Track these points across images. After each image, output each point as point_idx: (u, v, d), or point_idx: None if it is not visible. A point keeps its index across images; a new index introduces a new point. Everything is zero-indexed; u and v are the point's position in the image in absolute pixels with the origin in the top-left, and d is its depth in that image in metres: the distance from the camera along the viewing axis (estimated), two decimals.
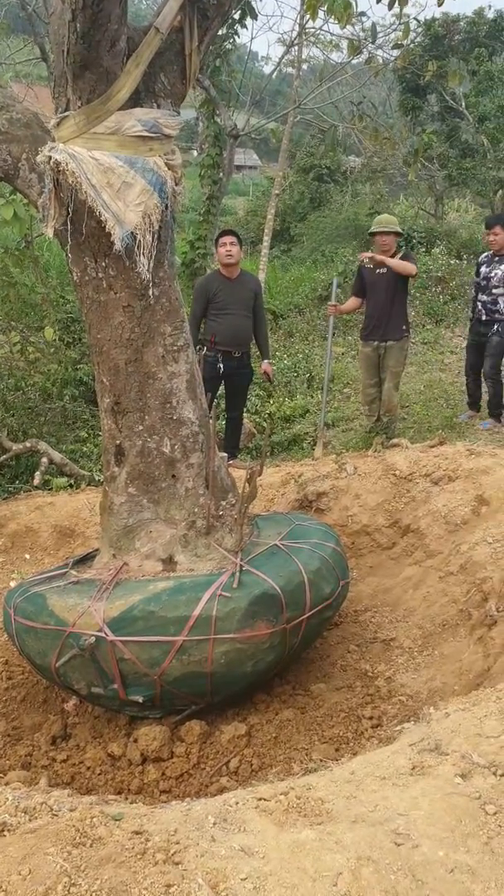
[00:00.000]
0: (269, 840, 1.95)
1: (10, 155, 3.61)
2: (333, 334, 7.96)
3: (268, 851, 1.90)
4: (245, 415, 8.40)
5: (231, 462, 5.92)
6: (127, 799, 3.13)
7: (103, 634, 3.51)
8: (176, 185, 3.54)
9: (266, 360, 7.19)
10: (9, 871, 1.74)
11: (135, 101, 3.31)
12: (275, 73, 17.46)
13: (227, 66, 11.39)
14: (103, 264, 3.55)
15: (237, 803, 2.18)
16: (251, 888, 1.77)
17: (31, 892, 1.69)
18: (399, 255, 6.99)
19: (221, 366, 6.64)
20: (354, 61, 13.82)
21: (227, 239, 6.58)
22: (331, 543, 4.18)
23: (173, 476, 3.89)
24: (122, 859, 1.83)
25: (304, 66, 15.78)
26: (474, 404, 8.22)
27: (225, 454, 4.99)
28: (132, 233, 3.37)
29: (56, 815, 2.05)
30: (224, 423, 7.42)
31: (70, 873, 1.75)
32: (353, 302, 7.42)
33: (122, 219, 3.35)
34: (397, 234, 7.08)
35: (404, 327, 7.08)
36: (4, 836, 1.92)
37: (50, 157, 3.27)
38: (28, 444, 7.21)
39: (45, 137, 3.54)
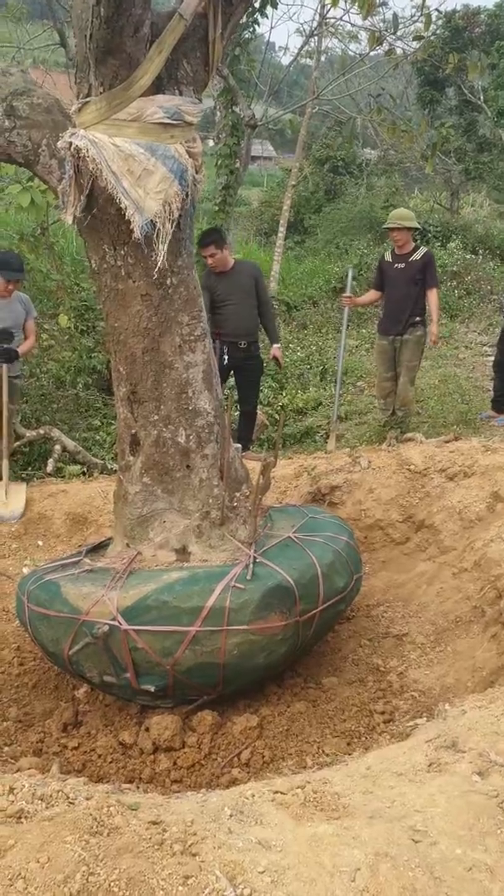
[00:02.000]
0: (286, 834, 1.94)
1: (31, 140, 3.58)
2: (347, 326, 7.90)
3: (285, 845, 1.89)
4: (258, 407, 8.39)
5: (243, 454, 5.89)
6: (139, 788, 3.14)
7: (117, 623, 3.51)
8: (197, 172, 3.50)
9: (275, 345, 7.11)
10: (27, 858, 1.74)
11: (157, 87, 3.28)
12: (293, 65, 17.37)
13: (247, 56, 11.32)
14: (122, 252, 3.53)
15: (253, 796, 2.17)
16: (269, 881, 1.76)
17: (50, 879, 1.68)
18: (418, 252, 6.91)
19: (227, 357, 6.56)
20: (373, 53, 13.73)
21: (206, 251, 6.43)
22: (344, 537, 4.16)
23: (188, 466, 3.88)
24: (140, 849, 1.82)
25: (322, 58, 15.67)
26: (501, 404, 8.09)
27: (238, 445, 4.98)
28: (152, 221, 3.34)
29: (72, 804, 2.04)
30: (237, 414, 7.39)
31: (88, 862, 1.74)
32: (370, 295, 7.40)
33: (142, 206, 3.32)
34: (413, 228, 7.02)
35: (419, 320, 7.02)
36: (22, 822, 1.91)
37: (70, 143, 3.25)
38: (42, 431, 7.22)
39: (66, 123, 3.52)
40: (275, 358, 7.17)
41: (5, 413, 5.82)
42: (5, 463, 5.81)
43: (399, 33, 12.00)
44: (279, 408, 9.24)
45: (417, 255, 6.89)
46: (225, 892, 1.73)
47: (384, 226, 7.28)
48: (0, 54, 13.25)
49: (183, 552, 3.90)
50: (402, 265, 6.90)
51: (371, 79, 16.77)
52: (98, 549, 4.27)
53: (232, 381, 6.98)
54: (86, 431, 8.17)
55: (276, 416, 8.78)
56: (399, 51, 12.31)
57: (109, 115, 3.24)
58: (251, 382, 6.99)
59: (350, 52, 15.59)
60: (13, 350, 6.00)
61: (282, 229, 14.48)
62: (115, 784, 2.72)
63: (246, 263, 7.07)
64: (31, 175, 7.26)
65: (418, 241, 7.31)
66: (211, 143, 13.40)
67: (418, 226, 7.32)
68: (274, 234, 17.41)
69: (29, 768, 3.03)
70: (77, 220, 3.43)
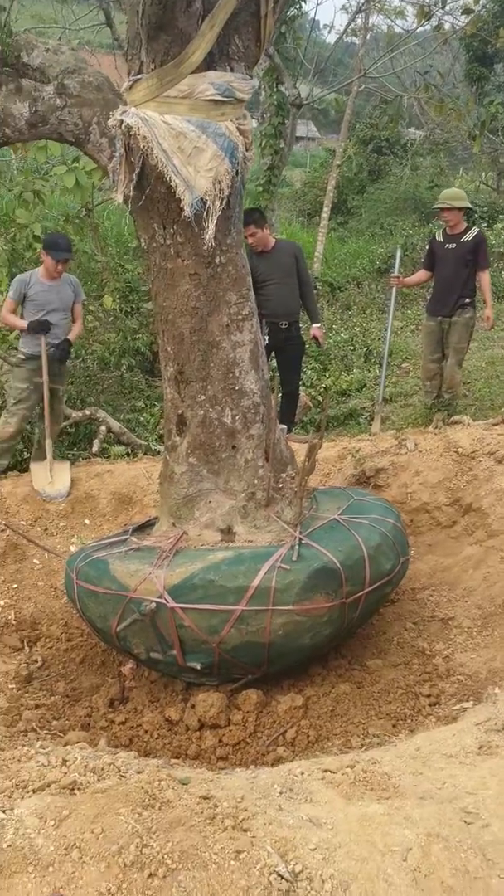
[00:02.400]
0: (336, 812, 1.94)
1: (81, 119, 3.58)
2: (393, 308, 7.79)
3: (336, 823, 1.89)
4: (300, 388, 8.33)
5: (286, 436, 5.86)
6: (185, 764, 3.17)
7: (164, 601, 3.54)
8: (247, 150, 3.48)
9: (315, 325, 6.95)
10: (82, 828, 1.77)
11: (208, 63, 3.25)
12: (338, 42, 17.12)
13: (293, 33, 11.18)
14: (171, 231, 3.52)
15: (302, 774, 2.17)
16: (320, 859, 1.77)
17: (105, 850, 1.71)
18: (470, 232, 6.74)
19: (267, 338, 6.48)
20: (420, 29, 13.47)
21: (246, 231, 6.18)
22: (391, 519, 4.13)
23: (234, 447, 3.88)
24: (192, 823, 1.84)
25: (368, 35, 15.41)
26: None
27: (284, 426, 4.96)
28: (202, 199, 3.33)
29: (124, 777, 2.07)
30: (279, 396, 7.33)
31: (141, 834, 1.76)
32: (421, 275, 7.24)
33: (192, 184, 3.31)
34: (464, 209, 6.82)
35: (469, 301, 6.85)
36: (75, 794, 1.94)
37: (122, 121, 3.25)
38: (88, 412, 7.27)
39: (117, 101, 3.52)
40: (315, 338, 7.03)
41: (46, 394, 5.84)
42: (49, 443, 5.86)
43: (447, 8, 11.75)
44: (322, 390, 9.18)
45: (469, 236, 6.70)
46: (277, 868, 1.74)
47: (434, 205, 7.11)
48: (46, 35, 13.28)
49: (228, 532, 3.90)
50: (452, 245, 6.73)
51: (418, 56, 16.45)
52: (144, 528, 4.30)
53: (273, 362, 6.93)
54: (129, 413, 8.21)
55: (320, 398, 8.73)
56: (447, 26, 12.08)
57: (160, 92, 3.23)
58: (292, 363, 6.90)
59: (397, 29, 15.30)
60: (67, 345, 6.02)
61: (326, 210, 14.34)
62: (163, 759, 2.75)
63: (287, 243, 6.95)
64: (76, 156, 7.31)
65: (475, 228, 7.02)
66: (255, 122, 13.29)
67: (470, 205, 7.03)
68: (317, 215, 17.26)
69: (77, 742, 3.08)
70: (127, 198, 3.43)
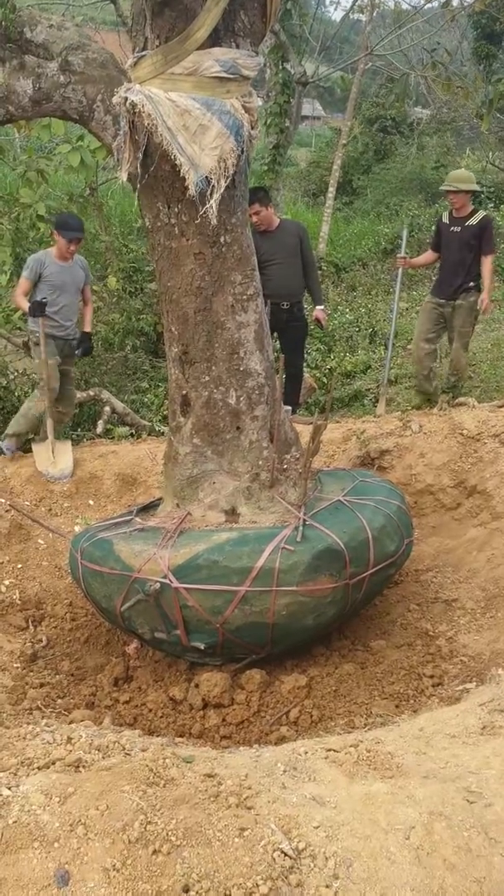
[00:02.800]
0: (340, 790, 1.96)
1: (85, 96, 3.55)
2: (400, 288, 7.72)
3: (339, 802, 1.91)
4: (305, 370, 8.29)
5: (291, 417, 5.83)
6: (189, 743, 3.19)
7: (168, 581, 3.55)
8: (252, 128, 3.44)
9: (318, 306, 6.90)
10: (87, 805, 1.78)
11: (213, 39, 3.20)
12: (344, 19, 16.93)
13: (298, 10, 11.04)
14: (176, 210, 3.50)
15: (306, 753, 2.19)
16: (324, 836, 1.78)
17: (110, 827, 1.72)
18: (476, 216, 6.60)
19: (269, 319, 6.40)
20: (428, 6, 13.31)
21: (251, 209, 6.03)
22: (395, 501, 4.13)
23: (238, 428, 3.87)
24: (196, 801, 1.85)
25: (375, 12, 15.18)
26: None
27: (289, 408, 4.94)
28: (207, 177, 3.30)
29: (129, 755, 2.08)
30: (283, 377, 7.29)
31: (146, 811, 1.78)
32: (428, 256, 7.16)
33: (196, 163, 3.27)
34: (470, 191, 6.69)
35: (473, 285, 6.74)
36: (80, 771, 1.96)
37: (126, 99, 3.21)
38: (92, 393, 7.27)
39: (121, 78, 3.47)
40: (317, 320, 6.96)
41: (45, 374, 5.79)
42: (50, 423, 5.84)
43: None
44: (327, 371, 9.16)
45: (474, 220, 6.57)
46: (280, 846, 1.75)
47: (441, 187, 6.99)
48: (50, 11, 13.13)
49: (232, 513, 3.91)
50: (457, 228, 6.63)
51: (425, 33, 16.24)
52: (148, 508, 4.30)
53: (277, 343, 6.89)
54: (134, 394, 8.21)
55: (325, 380, 8.71)
56: (455, 2, 11.90)
57: (165, 69, 3.19)
58: (295, 345, 6.83)
59: (404, 5, 15.08)
60: (88, 339, 6.00)
61: (331, 190, 14.23)
62: (168, 738, 2.76)
63: (291, 223, 6.87)
64: (81, 134, 7.26)
65: (482, 211, 6.73)
66: (260, 101, 13.16)
67: (477, 188, 6.87)
68: (322, 195, 17.14)
69: (82, 720, 3.10)
70: (131, 177, 3.40)
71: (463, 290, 6.68)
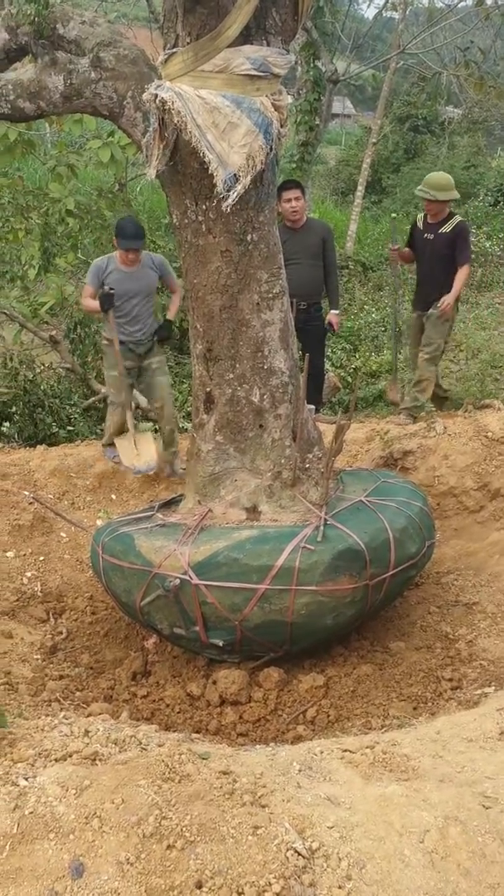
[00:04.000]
0: (355, 791, 1.95)
1: (116, 92, 3.56)
2: (401, 284, 7.17)
3: (354, 802, 1.90)
4: (330, 369, 8.27)
5: (314, 416, 5.79)
6: (205, 739, 3.20)
7: (188, 577, 3.56)
8: (281, 126, 3.44)
9: (333, 311, 6.77)
10: (102, 799, 1.79)
11: (244, 37, 3.20)
12: (376, 17, 16.84)
13: (331, 7, 11.00)
14: (203, 207, 3.50)
15: (322, 753, 2.19)
16: (337, 837, 1.78)
17: (125, 820, 1.73)
18: (450, 223, 6.07)
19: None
20: (462, 4, 13.20)
21: (291, 194, 6.10)
22: (418, 502, 4.11)
23: (261, 426, 3.87)
24: (211, 797, 1.85)
25: (408, 10, 15.09)
26: None
27: (312, 407, 4.93)
28: (235, 175, 3.30)
29: (145, 749, 2.09)
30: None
31: (161, 806, 1.79)
32: (409, 253, 6.55)
33: (225, 160, 3.27)
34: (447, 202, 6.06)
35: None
36: (97, 765, 1.97)
37: (156, 95, 3.22)
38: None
39: (152, 75, 3.49)
40: (330, 324, 6.79)
41: (120, 368, 5.53)
42: (130, 415, 5.68)
43: None
44: (352, 370, 9.14)
45: (448, 227, 6.03)
46: (294, 845, 1.75)
47: (416, 191, 6.33)
48: (83, 7, 13.20)
49: (253, 511, 3.91)
50: (430, 236, 6.11)
51: (459, 31, 16.12)
52: (170, 504, 4.32)
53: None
54: None
55: (349, 379, 8.68)
56: (490, 1, 11.81)
57: (196, 66, 3.19)
58: (314, 344, 6.67)
59: (438, 3, 14.97)
60: (168, 327, 5.75)
61: (360, 188, 14.19)
62: (184, 733, 2.77)
63: (317, 223, 6.77)
64: (111, 130, 7.29)
65: (457, 219, 6.14)
66: (290, 98, 13.12)
67: (455, 196, 6.10)
68: (351, 194, 17.10)
69: (100, 713, 3.12)
70: (160, 174, 3.41)
71: (437, 300, 6.18)
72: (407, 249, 6.51)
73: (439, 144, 23.16)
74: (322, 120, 11.94)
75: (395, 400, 6.85)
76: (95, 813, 1.76)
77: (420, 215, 6.37)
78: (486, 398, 6.77)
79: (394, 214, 8.21)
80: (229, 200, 3.31)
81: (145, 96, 3.28)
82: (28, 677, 3.80)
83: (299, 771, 2.08)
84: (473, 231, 15.96)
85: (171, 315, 5.71)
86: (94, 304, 5.44)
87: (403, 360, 7.80)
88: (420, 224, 6.28)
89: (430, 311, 6.20)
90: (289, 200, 6.13)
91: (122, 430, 5.79)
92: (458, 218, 6.17)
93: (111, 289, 5.33)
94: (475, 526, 4.89)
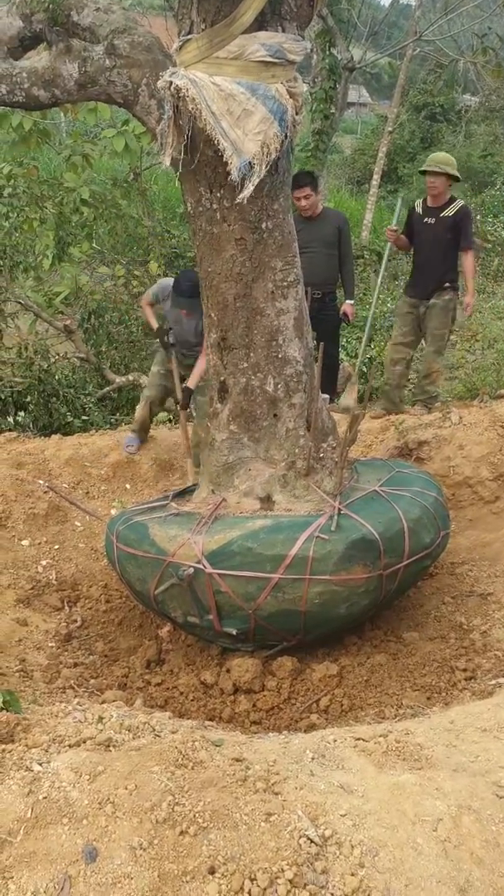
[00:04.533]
0: (368, 780, 1.95)
1: (130, 80, 3.54)
2: (389, 260, 6.94)
3: (367, 791, 1.90)
4: (345, 359, 8.23)
5: (328, 406, 5.75)
6: (218, 727, 3.21)
7: (202, 566, 3.56)
8: (297, 114, 3.41)
9: (348, 301, 6.66)
10: (116, 784, 1.80)
11: (259, 23, 3.18)
12: (393, 4, 16.71)
13: None
14: (218, 195, 3.49)
15: (335, 741, 2.18)
16: (350, 825, 1.78)
17: (138, 806, 1.74)
18: (453, 206, 5.94)
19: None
20: None
21: (300, 192, 5.98)
22: (432, 492, 4.09)
23: (275, 415, 3.87)
24: (224, 784, 1.86)
25: None
26: None
27: (326, 396, 4.91)
28: (249, 162, 3.28)
29: (158, 736, 2.10)
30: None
31: (174, 792, 1.79)
32: (405, 241, 6.37)
33: (240, 148, 3.25)
34: (451, 176, 5.88)
35: (449, 285, 6.04)
36: (110, 751, 1.98)
37: (171, 83, 3.20)
38: (130, 378, 7.31)
39: (166, 62, 3.47)
40: (345, 313, 6.68)
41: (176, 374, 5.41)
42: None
43: None
44: (367, 360, 9.10)
45: (450, 210, 5.89)
46: (307, 832, 1.76)
47: (420, 169, 6.14)
48: None
49: (267, 501, 3.91)
50: (431, 220, 5.94)
51: (476, 18, 15.97)
52: (184, 494, 4.33)
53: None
54: None
55: (364, 369, 8.65)
56: None
57: (210, 53, 3.17)
58: (328, 334, 6.59)
59: None
60: (188, 395, 5.33)
61: (376, 178, 14.09)
62: (198, 721, 2.79)
63: (333, 213, 6.69)
64: (125, 119, 7.27)
65: (459, 202, 5.99)
66: (306, 86, 13.02)
67: (458, 175, 5.97)
68: (366, 183, 16.99)
69: (114, 700, 3.13)
70: (175, 162, 3.39)
71: (438, 288, 6.04)
72: (403, 236, 6.34)
73: (456, 133, 22.98)
74: (337, 108, 11.86)
75: (345, 405, 6.56)
76: (109, 798, 1.77)
77: (419, 201, 6.23)
78: (502, 388, 6.71)
79: (401, 194, 7.98)
80: (245, 191, 3.30)
81: (160, 83, 3.26)
82: (43, 665, 3.82)
83: (312, 759, 2.08)
84: (490, 220, 15.87)
85: (191, 383, 5.35)
86: (151, 314, 5.46)
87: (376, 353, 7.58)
88: (419, 209, 6.11)
89: (434, 300, 6.03)
90: (298, 199, 6.01)
91: (143, 424, 5.83)
92: (460, 201, 6.04)
93: (169, 328, 5.34)
94: (490, 516, 4.86)
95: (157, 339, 5.35)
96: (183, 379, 5.36)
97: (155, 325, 5.40)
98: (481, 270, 13.72)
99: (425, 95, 22.91)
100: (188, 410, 5.50)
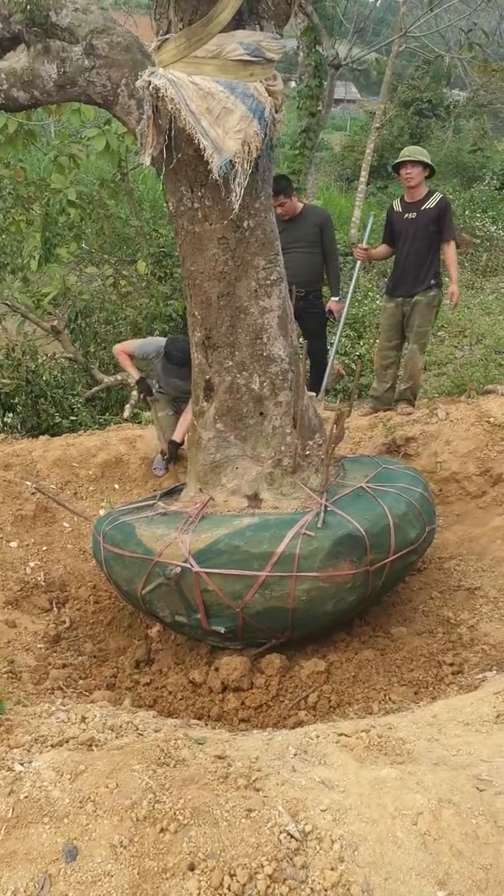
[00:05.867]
0: (349, 775, 1.96)
1: (110, 80, 3.54)
2: (357, 280, 6.98)
3: (348, 786, 1.91)
4: (336, 358, 8.21)
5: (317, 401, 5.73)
6: (207, 725, 3.22)
7: (189, 565, 3.57)
8: (276, 112, 3.42)
9: (334, 298, 6.61)
10: (97, 783, 1.81)
11: (237, 22, 3.18)
12: (379, 0, 16.72)
13: None
14: (199, 194, 3.49)
15: (318, 737, 2.19)
16: (331, 820, 1.79)
17: (118, 805, 1.75)
18: (432, 199, 5.92)
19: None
20: None
21: (275, 201, 5.49)
22: (418, 488, 4.10)
23: (261, 413, 3.87)
24: (205, 782, 1.87)
25: None
26: None
27: (313, 394, 4.91)
28: (230, 161, 3.28)
29: (141, 735, 2.11)
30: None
31: (155, 790, 1.80)
32: (383, 249, 6.41)
33: (220, 146, 3.26)
34: (426, 166, 5.87)
35: (433, 282, 5.99)
36: (93, 750, 1.99)
37: (149, 83, 3.20)
38: (119, 377, 7.31)
39: (145, 62, 3.47)
40: (331, 311, 6.63)
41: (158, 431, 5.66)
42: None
43: None
44: (356, 357, 9.12)
45: (431, 203, 5.87)
46: (287, 828, 1.76)
47: (395, 161, 6.08)
48: None
49: (254, 499, 3.91)
50: (412, 215, 5.89)
51: (462, 13, 15.99)
52: (172, 493, 4.33)
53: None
54: None
55: (353, 366, 8.67)
56: None
57: (189, 52, 3.17)
58: (313, 332, 6.60)
59: None
60: (175, 448, 5.54)
61: (364, 174, 14.09)
62: (183, 719, 2.79)
63: (314, 211, 6.62)
64: (108, 119, 7.25)
65: (437, 193, 5.97)
66: (293, 84, 13.03)
67: (433, 165, 5.99)
68: (356, 180, 17.00)
69: (102, 701, 3.14)
70: (155, 161, 3.40)
71: (423, 284, 5.99)
72: (379, 248, 6.38)
73: (444, 128, 23.02)
74: (324, 105, 11.87)
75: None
76: (89, 797, 1.78)
77: (395, 201, 6.20)
78: (490, 383, 6.73)
79: (373, 212, 7.85)
80: (233, 194, 3.31)
81: (138, 84, 3.26)
82: (31, 666, 3.82)
83: (294, 755, 2.09)
84: (479, 215, 15.90)
85: (177, 437, 5.48)
86: (129, 363, 5.55)
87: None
88: (398, 207, 6.07)
89: (418, 297, 5.97)
90: (274, 206, 5.95)
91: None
92: (438, 193, 6.02)
93: (151, 381, 5.51)
94: (477, 511, 4.88)
95: (138, 390, 5.47)
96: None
97: (136, 375, 5.53)
98: (470, 266, 13.76)
99: (413, 91, 22.92)
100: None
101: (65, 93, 3.58)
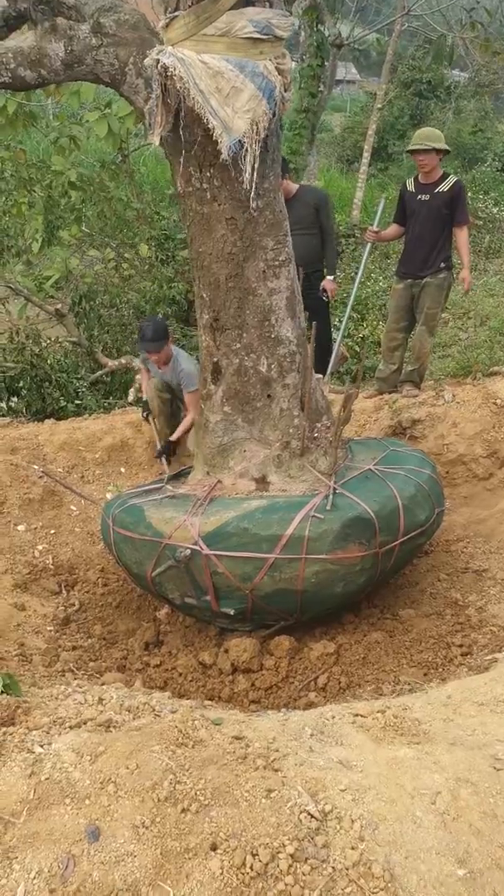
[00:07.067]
0: (366, 755, 1.97)
1: (118, 59, 3.50)
2: (367, 261, 6.94)
3: (366, 766, 1.92)
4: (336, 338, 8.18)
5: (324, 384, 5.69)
6: (217, 706, 3.23)
7: (198, 548, 3.57)
8: (285, 91, 3.38)
9: (329, 276, 6.48)
10: (117, 764, 1.81)
11: None
12: None
13: None
14: (208, 174, 3.46)
15: (334, 717, 2.20)
16: (350, 799, 1.80)
17: (139, 785, 1.76)
18: (446, 182, 5.79)
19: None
20: None
21: None
22: (427, 470, 4.11)
23: (269, 396, 3.86)
24: (224, 762, 1.87)
25: None
26: None
27: (320, 375, 4.89)
28: (239, 141, 3.25)
29: (158, 716, 2.11)
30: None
31: (175, 771, 1.81)
32: (394, 229, 6.32)
33: (229, 126, 3.23)
34: (440, 151, 5.72)
35: (443, 264, 5.89)
36: (111, 731, 1.99)
37: (158, 61, 3.16)
38: (123, 361, 7.28)
39: (153, 41, 3.42)
40: (324, 289, 6.47)
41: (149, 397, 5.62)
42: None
43: None
44: (360, 339, 9.09)
45: (445, 186, 5.75)
46: (307, 808, 1.77)
47: (408, 148, 6.02)
48: None
49: (262, 481, 3.91)
50: (425, 196, 5.79)
51: None
52: (179, 476, 4.33)
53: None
54: None
55: (357, 349, 8.64)
56: None
57: (198, 30, 3.13)
58: (314, 314, 6.54)
59: None
60: (167, 447, 5.44)
61: (366, 156, 13.99)
62: (197, 700, 2.80)
63: (310, 190, 6.54)
64: (108, 101, 7.18)
65: (452, 177, 5.85)
66: (294, 64, 12.88)
67: (448, 148, 5.84)
68: (356, 161, 16.88)
69: (113, 682, 3.15)
70: (163, 141, 3.37)
71: (433, 267, 5.88)
72: (389, 229, 6.31)
73: (445, 109, 22.81)
74: (326, 86, 11.76)
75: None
76: (110, 778, 1.79)
77: (409, 179, 6.09)
78: (495, 365, 6.71)
79: (385, 195, 7.78)
80: (246, 174, 3.28)
81: (147, 62, 3.22)
82: (42, 648, 3.83)
83: (311, 735, 2.10)
84: (481, 197, 15.79)
85: (174, 437, 5.40)
86: (145, 382, 5.62)
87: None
88: (412, 187, 5.95)
89: (428, 279, 5.87)
90: None
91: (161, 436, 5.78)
92: (453, 176, 5.93)
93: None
94: (484, 493, 4.88)
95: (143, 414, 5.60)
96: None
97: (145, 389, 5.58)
98: (473, 248, 13.68)
99: (414, 72, 22.69)
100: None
101: (72, 72, 3.53)
